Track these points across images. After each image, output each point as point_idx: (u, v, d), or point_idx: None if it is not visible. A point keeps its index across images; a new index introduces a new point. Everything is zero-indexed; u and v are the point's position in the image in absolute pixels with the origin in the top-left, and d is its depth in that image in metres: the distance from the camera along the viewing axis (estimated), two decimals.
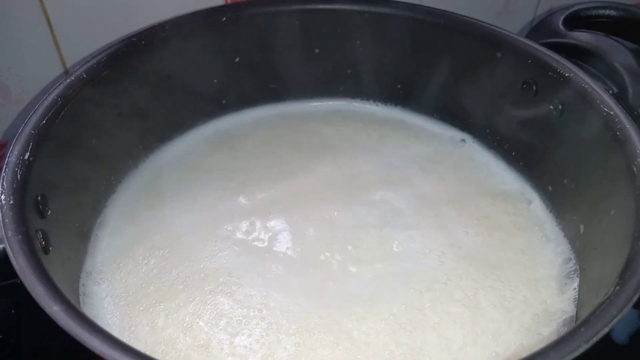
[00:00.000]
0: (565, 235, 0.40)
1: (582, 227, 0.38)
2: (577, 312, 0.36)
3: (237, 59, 0.47)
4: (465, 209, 0.42)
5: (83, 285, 0.36)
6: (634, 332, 0.41)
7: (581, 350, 0.23)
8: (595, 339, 0.23)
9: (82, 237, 0.38)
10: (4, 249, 0.27)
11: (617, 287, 0.26)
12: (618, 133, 0.34)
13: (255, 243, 0.39)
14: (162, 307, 0.36)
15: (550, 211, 0.42)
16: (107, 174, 0.42)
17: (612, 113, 0.35)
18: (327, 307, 0.36)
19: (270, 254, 0.39)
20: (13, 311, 0.42)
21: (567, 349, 0.23)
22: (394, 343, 0.34)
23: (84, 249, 0.38)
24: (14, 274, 0.28)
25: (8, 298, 0.43)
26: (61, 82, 0.36)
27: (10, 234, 0.27)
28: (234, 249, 0.39)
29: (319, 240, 0.40)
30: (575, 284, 0.37)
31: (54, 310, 0.24)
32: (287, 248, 0.39)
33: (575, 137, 0.38)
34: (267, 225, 0.41)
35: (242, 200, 0.43)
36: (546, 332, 0.35)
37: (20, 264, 0.26)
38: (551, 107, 0.40)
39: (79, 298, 0.35)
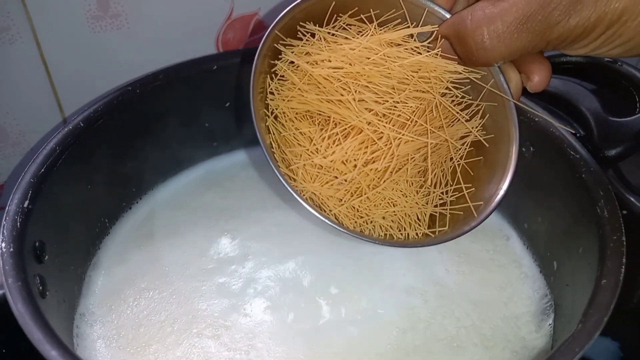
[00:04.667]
0: (541, 272, 0.42)
1: (555, 264, 0.40)
2: (552, 346, 0.37)
3: (227, 104, 0.49)
4: (446, 246, 0.43)
5: (77, 326, 0.37)
6: None
7: None
8: None
9: (77, 279, 0.40)
10: (4, 295, 0.28)
11: (580, 325, 0.27)
12: (583, 175, 0.36)
13: (242, 282, 0.41)
14: (152, 349, 0.37)
15: (528, 248, 0.44)
16: (101, 216, 0.44)
17: (577, 156, 0.38)
18: (313, 348, 0.37)
19: (255, 294, 0.40)
20: (4, 350, 0.42)
21: None
22: None
23: (77, 291, 0.39)
24: (10, 318, 0.29)
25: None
26: (59, 131, 0.38)
27: (10, 280, 0.28)
28: (221, 289, 0.40)
29: (303, 280, 0.41)
30: (551, 320, 0.38)
31: (52, 354, 0.25)
32: (272, 288, 0.40)
33: (546, 178, 0.40)
34: (253, 264, 0.42)
35: (229, 238, 0.44)
36: None
37: (19, 309, 0.27)
38: (523, 149, 0.42)
39: (72, 340, 0.36)
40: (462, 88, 0.33)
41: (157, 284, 0.40)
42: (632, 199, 0.41)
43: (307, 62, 0.31)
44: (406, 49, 0.31)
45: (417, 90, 0.31)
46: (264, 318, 0.38)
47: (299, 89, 0.31)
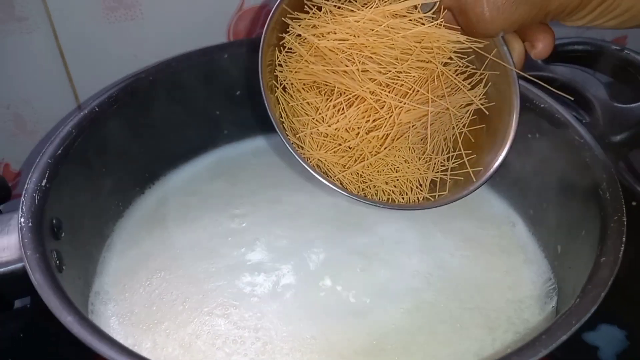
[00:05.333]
0: (545, 256, 0.42)
1: (559, 248, 0.40)
2: None
3: (237, 92, 0.50)
4: (451, 232, 0.44)
5: (91, 304, 0.39)
6: (620, 352, 0.43)
7: (540, 355, 0.25)
8: (554, 346, 0.25)
9: (91, 259, 0.41)
10: (24, 267, 0.29)
11: (578, 300, 0.28)
12: (587, 160, 0.37)
13: (251, 265, 0.42)
14: (163, 326, 0.38)
15: (533, 234, 0.44)
16: (116, 199, 0.45)
17: (582, 141, 0.38)
18: (319, 328, 0.37)
19: (263, 275, 0.41)
20: (22, 335, 0.44)
21: (528, 353, 0.25)
22: None
23: (92, 270, 0.41)
24: (26, 294, 0.30)
25: (17, 322, 0.45)
26: (76, 115, 0.40)
27: (29, 252, 0.30)
28: (230, 270, 0.41)
29: (311, 263, 0.42)
30: (554, 302, 0.39)
31: (68, 320, 0.26)
32: (281, 270, 0.41)
33: (551, 163, 0.41)
34: (262, 247, 0.43)
35: (239, 223, 0.45)
36: None
37: (37, 279, 0.28)
38: (529, 135, 0.42)
39: (87, 316, 0.37)
40: (465, 58, 0.34)
41: (168, 266, 0.42)
42: None
43: (314, 35, 0.32)
44: (410, 20, 0.32)
45: (420, 60, 0.32)
46: (272, 299, 0.39)
47: (305, 60, 0.32)
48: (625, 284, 0.31)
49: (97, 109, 0.41)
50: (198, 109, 0.49)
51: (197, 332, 0.37)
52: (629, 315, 0.44)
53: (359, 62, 0.31)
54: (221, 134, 0.52)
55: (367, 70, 0.32)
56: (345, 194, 0.33)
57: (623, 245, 0.30)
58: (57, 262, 0.33)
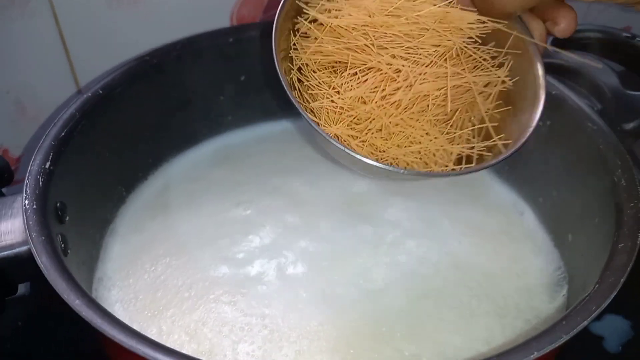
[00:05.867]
0: (555, 245, 0.42)
1: (570, 236, 0.40)
2: None
3: (242, 78, 0.49)
4: (459, 220, 0.44)
5: (95, 290, 0.38)
6: (625, 342, 0.43)
7: (561, 341, 0.25)
8: (574, 332, 0.25)
9: (95, 244, 0.40)
10: (29, 250, 0.29)
11: (597, 285, 0.28)
12: (601, 146, 0.36)
13: (256, 252, 0.41)
14: (169, 313, 0.37)
15: (541, 222, 0.44)
16: (118, 185, 0.44)
17: (595, 128, 0.37)
18: (327, 315, 0.37)
19: (270, 262, 0.40)
20: (20, 323, 0.43)
21: (547, 339, 0.24)
22: (392, 349, 0.36)
23: (96, 255, 0.40)
24: (30, 279, 0.30)
25: (16, 311, 0.44)
26: (79, 98, 0.39)
27: (34, 235, 0.29)
28: (237, 258, 0.41)
29: (317, 250, 0.41)
30: (565, 290, 0.39)
31: (76, 303, 0.26)
32: (287, 257, 0.41)
33: (562, 150, 0.40)
34: (268, 235, 0.42)
35: (244, 210, 0.44)
36: None
37: (44, 262, 0.28)
38: (540, 122, 0.42)
39: None
40: (482, 40, 0.33)
41: (173, 252, 0.41)
42: None
43: (328, 17, 0.31)
44: (423, 1, 0.31)
45: (438, 36, 0.31)
46: (279, 286, 0.39)
47: (321, 39, 0.32)
48: (631, 273, 0.30)
49: (100, 92, 0.40)
50: (201, 94, 0.48)
51: (203, 319, 0.37)
52: (635, 305, 0.44)
53: (374, 38, 0.30)
54: (225, 120, 0.51)
55: (384, 47, 0.31)
56: (369, 161, 0.31)
57: None
58: (62, 245, 0.32)
